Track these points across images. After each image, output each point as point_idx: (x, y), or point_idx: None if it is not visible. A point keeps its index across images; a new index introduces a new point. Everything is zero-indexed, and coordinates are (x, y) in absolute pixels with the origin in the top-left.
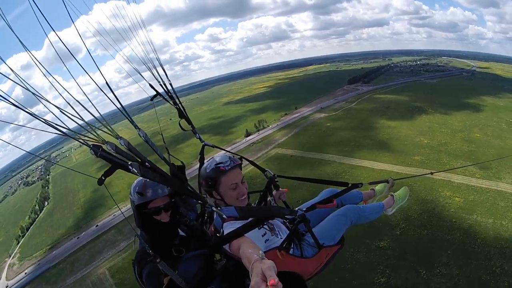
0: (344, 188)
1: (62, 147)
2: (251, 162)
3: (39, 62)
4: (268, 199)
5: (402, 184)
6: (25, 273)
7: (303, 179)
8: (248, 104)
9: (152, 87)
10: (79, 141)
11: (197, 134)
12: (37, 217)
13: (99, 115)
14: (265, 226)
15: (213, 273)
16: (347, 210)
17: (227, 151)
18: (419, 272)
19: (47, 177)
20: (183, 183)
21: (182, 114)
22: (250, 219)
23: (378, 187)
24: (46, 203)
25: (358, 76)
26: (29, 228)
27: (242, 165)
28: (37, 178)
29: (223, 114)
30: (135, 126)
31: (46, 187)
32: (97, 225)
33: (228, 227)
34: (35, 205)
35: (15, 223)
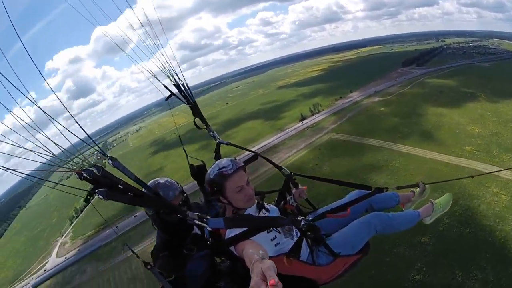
0: (368, 192)
1: (119, 132)
2: (268, 160)
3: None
4: (287, 197)
5: (439, 187)
6: (65, 258)
7: (322, 179)
8: (300, 88)
9: (166, 87)
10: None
11: (211, 132)
12: (92, 198)
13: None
14: (276, 229)
15: (219, 273)
16: (372, 218)
17: (243, 148)
18: (455, 274)
19: (103, 161)
20: (157, 200)
21: (196, 112)
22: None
23: (419, 188)
24: None
25: (412, 58)
26: (83, 209)
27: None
28: (93, 163)
29: (276, 99)
30: (104, 154)
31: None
32: (135, 215)
33: (234, 230)
34: (91, 188)
35: (69, 205)
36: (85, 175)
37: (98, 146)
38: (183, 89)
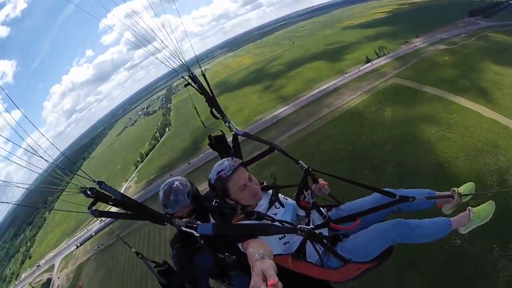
0: (393, 200)
1: (184, 76)
2: (285, 153)
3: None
4: (305, 193)
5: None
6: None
7: (342, 179)
8: (365, 30)
9: (184, 78)
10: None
11: (227, 123)
12: (157, 143)
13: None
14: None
15: (227, 266)
16: (391, 227)
17: (260, 140)
18: (493, 247)
19: (169, 105)
20: (142, 211)
21: (212, 104)
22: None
23: (462, 189)
24: (167, 129)
25: (479, 9)
26: (148, 154)
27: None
28: (158, 107)
29: (339, 40)
30: (92, 180)
31: (167, 115)
32: (189, 163)
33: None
34: (156, 133)
35: (134, 151)
36: (83, 195)
37: (83, 171)
38: (200, 80)
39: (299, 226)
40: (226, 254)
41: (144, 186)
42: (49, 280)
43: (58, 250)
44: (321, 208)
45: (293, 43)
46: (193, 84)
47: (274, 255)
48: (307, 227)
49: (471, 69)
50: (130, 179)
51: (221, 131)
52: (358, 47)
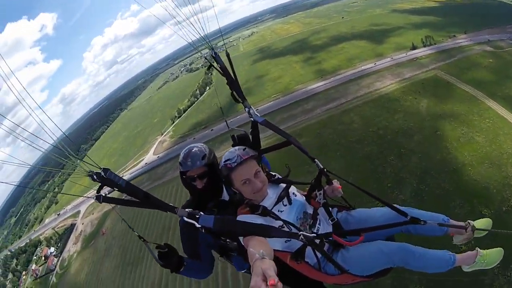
0: (404, 221)
1: (230, 37)
2: (302, 149)
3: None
4: (316, 193)
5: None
6: (158, 157)
7: (358, 188)
8: (411, 16)
9: (206, 58)
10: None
11: (247, 108)
12: (197, 100)
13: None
14: (289, 226)
15: (229, 248)
16: (396, 252)
17: (278, 132)
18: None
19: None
20: (146, 199)
21: (233, 88)
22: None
23: (477, 223)
24: (207, 87)
25: None
26: (187, 110)
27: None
28: (201, 65)
29: (384, 22)
30: (98, 167)
31: (210, 74)
32: (212, 129)
33: (248, 220)
34: (196, 90)
35: (173, 106)
36: (90, 179)
37: (88, 157)
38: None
39: (301, 233)
40: (227, 240)
41: (177, 141)
42: (72, 225)
43: (86, 197)
44: (330, 209)
45: (343, 17)
46: (214, 65)
47: (274, 250)
48: (309, 235)
49: (509, 78)
50: (165, 133)
51: (244, 131)
52: (401, 32)
